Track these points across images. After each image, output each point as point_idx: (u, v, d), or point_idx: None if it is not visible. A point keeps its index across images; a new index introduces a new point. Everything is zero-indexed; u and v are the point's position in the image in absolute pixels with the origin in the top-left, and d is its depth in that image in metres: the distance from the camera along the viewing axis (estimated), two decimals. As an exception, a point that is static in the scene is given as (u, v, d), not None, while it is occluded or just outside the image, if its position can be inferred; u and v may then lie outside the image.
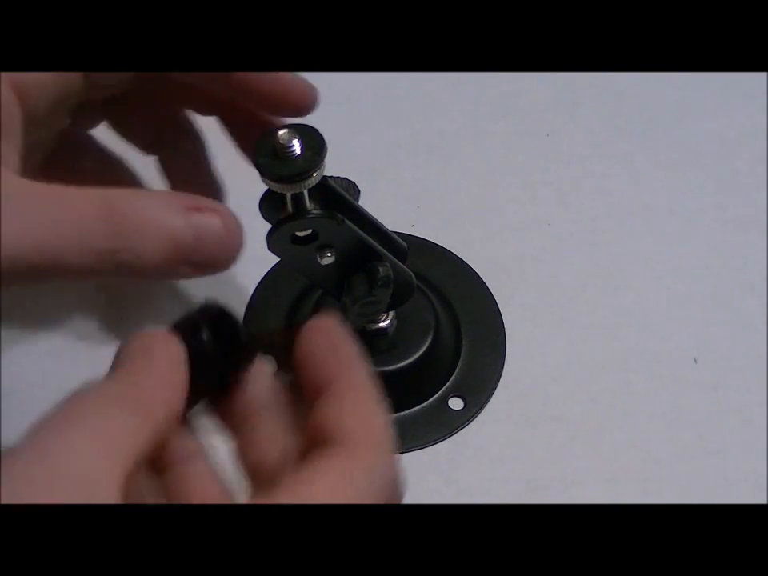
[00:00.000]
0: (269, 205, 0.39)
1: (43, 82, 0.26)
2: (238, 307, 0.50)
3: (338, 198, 0.40)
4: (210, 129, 0.43)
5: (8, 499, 0.19)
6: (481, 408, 0.47)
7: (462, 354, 0.49)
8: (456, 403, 0.47)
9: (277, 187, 0.37)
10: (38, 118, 0.27)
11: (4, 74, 0.24)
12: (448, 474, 0.45)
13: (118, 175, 0.43)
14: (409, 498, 0.43)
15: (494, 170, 0.57)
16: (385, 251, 0.42)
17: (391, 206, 0.54)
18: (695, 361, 0.49)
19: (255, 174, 0.37)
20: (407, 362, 0.46)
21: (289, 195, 0.38)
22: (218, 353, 0.27)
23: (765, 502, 0.44)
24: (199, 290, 0.48)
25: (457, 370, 0.48)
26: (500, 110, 0.60)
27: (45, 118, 0.28)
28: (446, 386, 0.48)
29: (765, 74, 0.61)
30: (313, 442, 0.25)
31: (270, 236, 0.39)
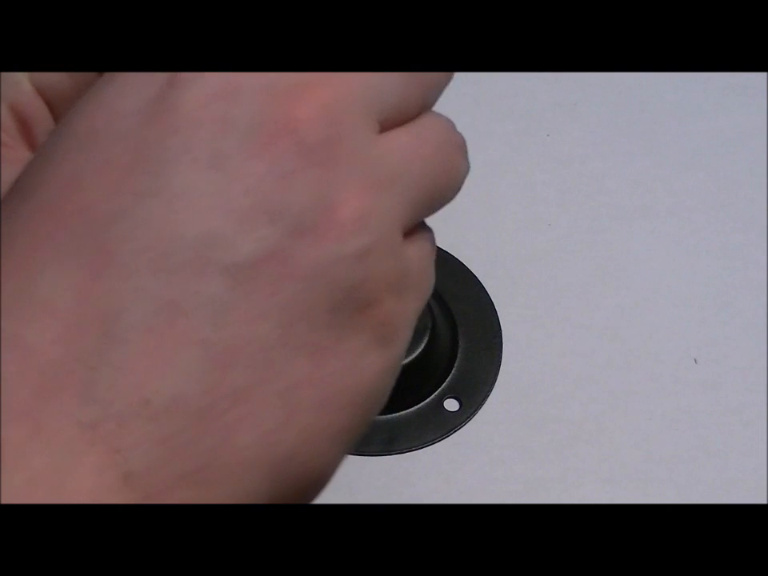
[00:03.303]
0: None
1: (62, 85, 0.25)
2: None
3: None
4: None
5: None
6: (477, 409, 0.47)
7: (459, 355, 0.49)
8: (451, 404, 0.47)
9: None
10: None
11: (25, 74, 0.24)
12: (447, 474, 0.45)
13: None
14: (408, 498, 0.43)
15: (494, 170, 0.57)
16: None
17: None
18: (695, 361, 0.49)
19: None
20: (403, 363, 0.46)
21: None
22: None
23: (765, 502, 0.44)
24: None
25: (453, 371, 0.48)
26: (500, 110, 0.60)
27: None
28: (442, 387, 0.48)
29: (765, 74, 0.61)
30: None
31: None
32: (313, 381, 0.21)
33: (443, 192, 0.25)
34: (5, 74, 0.24)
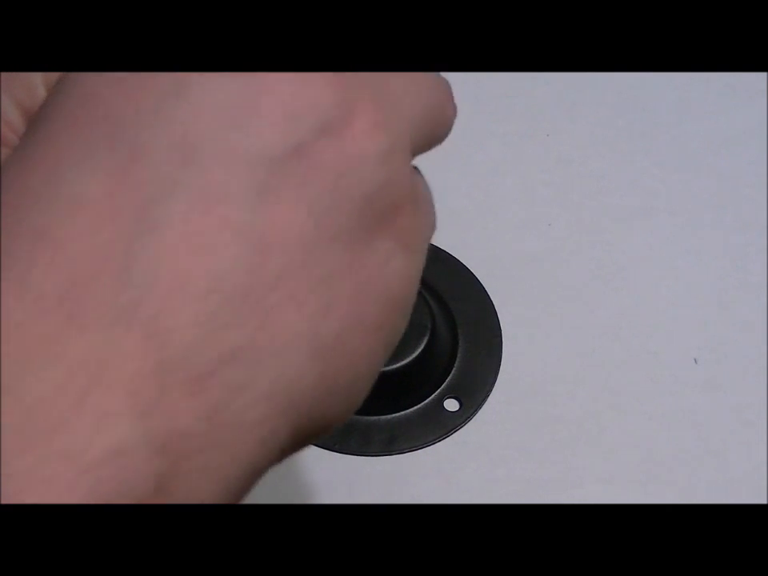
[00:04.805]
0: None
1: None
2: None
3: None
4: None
5: None
6: (477, 409, 0.47)
7: (459, 355, 0.49)
8: (451, 404, 0.47)
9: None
10: None
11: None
12: (447, 474, 0.45)
13: None
14: (408, 498, 0.43)
15: (494, 170, 0.57)
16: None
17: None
18: (695, 361, 0.49)
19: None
20: (402, 363, 0.46)
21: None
22: None
23: (765, 501, 0.44)
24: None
25: (453, 371, 0.48)
26: (500, 110, 0.60)
27: None
28: (442, 387, 0.48)
29: (765, 74, 0.61)
30: None
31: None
32: (347, 273, 0.21)
33: (437, 126, 0.25)
34: (19, 77, 0.24)
